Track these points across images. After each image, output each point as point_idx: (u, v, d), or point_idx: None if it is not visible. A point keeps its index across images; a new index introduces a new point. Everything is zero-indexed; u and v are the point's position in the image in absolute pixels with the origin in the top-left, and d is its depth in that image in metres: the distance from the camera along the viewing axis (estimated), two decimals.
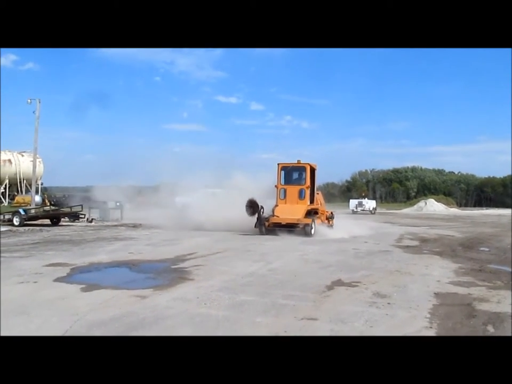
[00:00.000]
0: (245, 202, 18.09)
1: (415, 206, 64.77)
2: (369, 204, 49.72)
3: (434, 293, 7.57)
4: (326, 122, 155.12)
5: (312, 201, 19.45)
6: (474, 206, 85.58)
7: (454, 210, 59.30)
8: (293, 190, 19.17)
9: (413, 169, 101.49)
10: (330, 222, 21.16)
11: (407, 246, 14.96)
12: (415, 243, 16.15)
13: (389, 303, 6.80)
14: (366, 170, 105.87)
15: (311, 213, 19.00)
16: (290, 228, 17.75)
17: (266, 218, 18.09)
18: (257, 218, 18.00)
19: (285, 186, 19.36)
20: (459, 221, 32.19)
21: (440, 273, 9.59)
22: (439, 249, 14.12)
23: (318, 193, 20.92)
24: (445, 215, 46.21)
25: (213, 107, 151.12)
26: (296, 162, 19.51)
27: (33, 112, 34.99)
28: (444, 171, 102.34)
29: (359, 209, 48.36)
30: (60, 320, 5.62)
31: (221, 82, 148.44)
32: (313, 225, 17.96)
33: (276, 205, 18.75)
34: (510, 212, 50.23)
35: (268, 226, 18.04)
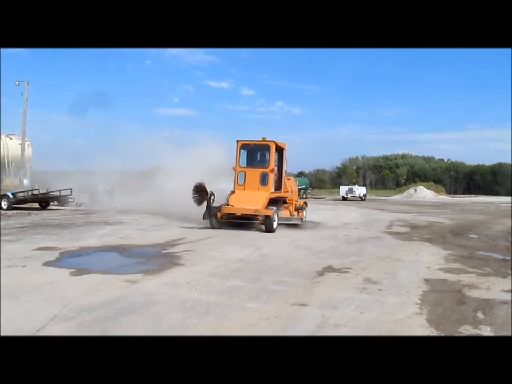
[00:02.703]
0: (192, 188, 14.90)
1: (405, 193, 65.05)
2: (360, 190, 49.88)
3: (425, 279, 7.60)
4: (317, 109, 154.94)
5: (278, 188, 16.03)
6: (464, 193, 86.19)
7: (444, 198, 59.66)
8: (253, 173, 15.54)
9: (403, 156, 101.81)
10: (301, 214, 17.06)
11: (397, 233, 15.03)
12: (405, 230, 16.22)
13: (379, 289, 6.82)
14: (357, 157, 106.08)
15: (279, 202, 16.04)
16: (247, 220, 14.47)
17: (218, 208, 14.55)
18: (207, 208, 14.57)
19: (245, 169, 15.64)
20: (448, 208, 32.39)
21: (430, 260, 9.63)
22: (429, 236, 14.19)
23: (289, 179, 17.76)
24: (434, 202, 46.47)
25: (205, 92, 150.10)
26: (261, 139, 15.89)
27: (22, 94, 34.73)
28: (434, 158, 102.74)
29: (349, 195, 48.52)
30: (49, 305, 5.58)
31: (212, 66, 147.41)
32: (275, 218, 14.43)
33: (232, 192, 15.25)
34: (498, 200, 50.70)
35: (220, 218, 14.58)
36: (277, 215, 14.58)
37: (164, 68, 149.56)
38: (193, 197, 14.70)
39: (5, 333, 4.54)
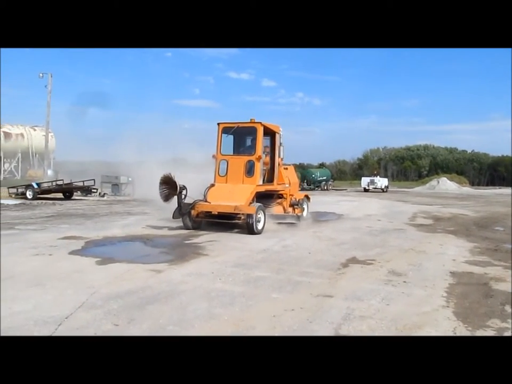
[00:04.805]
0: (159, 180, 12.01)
1: (427, 184, 64.07)
2: (381, 181, 49.33)
3: (450, 272, 7.51)
4: (337, 99, 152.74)
5: (271, 180, 13.35)
6: (487, 185, 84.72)
7: (467, 189, 58.67)
8: (237, 162, 12.76)
9: (426, 147, 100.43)
10: (297, 211, 14.25)
11: (421, 225, 14.85)
12: (429, 221, 16.02)
13: (404, 282, 6.76)
14: (378, 148, 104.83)
15: (273, 197, 13.74)
16: (225, 219, 11.80)
17: (191, 204, 11.90)
18: (178, 204, 11.83)
19: (227, 157, 12.96)
20: (472, 200, 31.89)
21: (455, 252, 9.51)
22: (453, 228, 14.00)
23: (286, 168, 14.87)
24: (457, 193, 45.82)
25: (225, 83, 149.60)
26: (249, 121, 13.04)
27: (45, 86, 35.17)
28: (457, 149, 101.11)
29: (371, 187, 48.04)
30: (76, 293, 5.66)
31: (233, 58, 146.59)
32: (261, 217, 11.78)
33: (212, 185, 12.59)
34: None
35: (196, 216, 12.04)
36: (263, 213, 11.94)
37: (184, 60, 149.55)
38: (159, 192, 11.92)
39: (34, 319, 4.64)
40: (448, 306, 5.58)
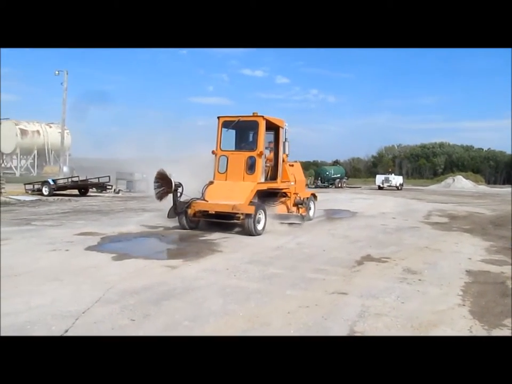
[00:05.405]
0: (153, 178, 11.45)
1: (443, 182, 63.58)
2: (396, 179, 49.08)
3: (466, 271, 7.46)
4: (352, 96, 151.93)
5: (274, 178, 12.58)
6: (503, 183, 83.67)
7: (483, 188, 58.05)
8: (237, 158, 12.04)
9: (441, 145, 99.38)
10: (301, 210, 13.56)
11: (436, 223, 14.74)
12: (444, 220, 15.90)
13: (420, 280, 6.73)
14: (393, 146, 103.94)
15: (276, 195, 12.84)
16: (223, 219, 11.10)
17: (187, 203, 11.27)
18: (173, 203, 11.21)
19: (227, 153, 12.24)
20: (488, 199, 31.55)
21: (471, 251, 9.43)
22: (468, 227, 13.88)
23: (292, 165, 14.14)
24: (473, 192, 45.38)
25: (239, 80, 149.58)
26: (250, 115, 12.24)
27: (61, 83, 35.43)
28: (473, 147, 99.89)
29: (385, 185, 47.83)
30: (93, 288, 5.72)
31: (247, 55, 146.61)
32: (261, 217, 11.10)
33: (211, 182, 11.92)
34: None
35: (193, 215, 11.34)
36: (264, 213, 11.24)
37: (199, 57, 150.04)
38: (154, 189, 11.33)
39: (51, 314, 4.70)
40: (464, 305, 5.54)
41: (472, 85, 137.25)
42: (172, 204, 11.20)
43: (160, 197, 11.17)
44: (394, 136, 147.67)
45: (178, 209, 11.16)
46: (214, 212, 11.10)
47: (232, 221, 10.98)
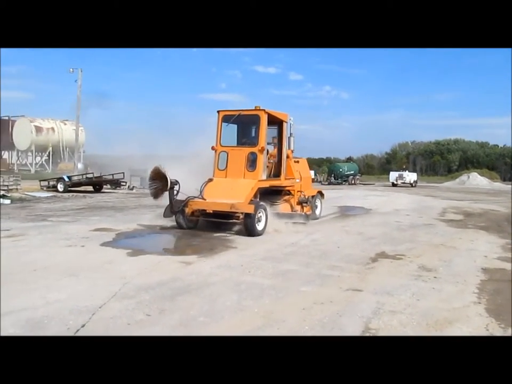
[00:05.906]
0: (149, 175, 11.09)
1: (457, 179, 62.98)
2: (410, 176, 48.79)
3: (482, 268, 7.40)
4: (365, 93, 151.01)
5: (277, 175, 12.02)
6: None
7: (498, 185, 57.44)
8: (238, 154, 11.42)
9: (456, 142, 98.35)
10: (306, 209, 12.86)
11: (451, 220, 14.62)
12: (459, 217, 15.76)
13: (435, 277, 6.69)
14: (407, 142, 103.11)
15: (280, 193, 12.32)
16: (222, 219, 10.59)
17: (185, 202, 10.74)
18: (169, 202, 10.71)
19: (227, 149, 11.61)
20: (503, 196, 31.18)
21: (486, 248, 9.35)
22: (484, 224, 13.75)
23: (297, 162, 13.43)
24: (488, 189, 44.95)
25: (252, 77, 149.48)
26: (251, 109, 11.63)
27: (75, 81, 35.69)
28: (488, 144, 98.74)
29: (399, 181, 47.56)
30: (108, 283, 5.77)
31: (260, 52, 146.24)
32: (262, 216, 10.43)
33: (210, 179, 11.32)
34: None
35: (191, 214, 10.85)
36: (264, 212, 10.58)
37: (212, 54, 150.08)
38: (149, 187, 11.03)
39: (68, 309, 4.75)
40: (479, 303, 5.50)
41: (489, 81, 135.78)
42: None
43: (155, 194, 10.74)
44: (408, 132, 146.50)
45: (174, 208, 10.69)
46: (211, 211, 10.63)
47: (231, 221, 10.55)
